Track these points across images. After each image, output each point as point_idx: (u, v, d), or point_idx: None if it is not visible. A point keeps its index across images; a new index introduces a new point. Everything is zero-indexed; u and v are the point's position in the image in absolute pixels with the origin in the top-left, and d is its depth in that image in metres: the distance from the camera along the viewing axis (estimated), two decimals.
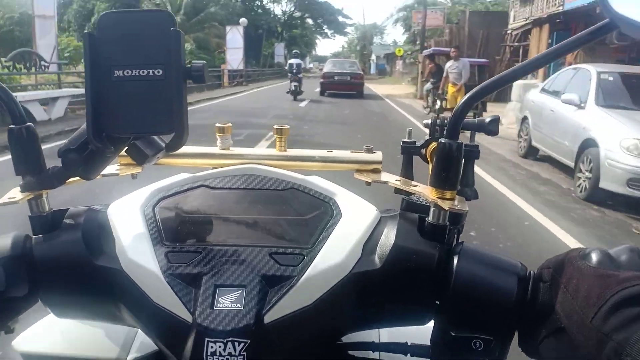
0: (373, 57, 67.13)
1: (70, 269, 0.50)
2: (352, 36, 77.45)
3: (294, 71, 16.40)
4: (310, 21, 58.61)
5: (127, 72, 0.44)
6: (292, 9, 54.56)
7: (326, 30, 59.83)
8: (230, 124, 0.67)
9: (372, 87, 29.85)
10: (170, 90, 0.44)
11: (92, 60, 0.44)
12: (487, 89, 0.48)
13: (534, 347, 0.45)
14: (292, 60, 16.96)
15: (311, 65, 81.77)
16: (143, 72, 0.44)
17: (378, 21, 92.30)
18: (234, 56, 26.26)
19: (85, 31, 0.44)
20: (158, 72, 0.44)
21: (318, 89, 19.88)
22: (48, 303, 0.52)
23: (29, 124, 0.49)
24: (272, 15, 50.64)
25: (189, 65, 0.45)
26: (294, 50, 22.88)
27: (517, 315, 0.46)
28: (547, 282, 0.45)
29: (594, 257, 0.42)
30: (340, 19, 59.59)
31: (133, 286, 0.48)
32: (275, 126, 0.66)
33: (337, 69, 20.35)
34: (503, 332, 0.47)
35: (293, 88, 16.49)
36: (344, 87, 19.70)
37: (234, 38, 26.57)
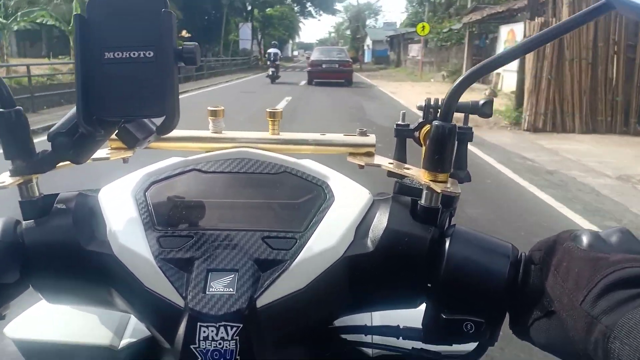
0: (368, 42, 54.32)
1: (61, 254, 0.50)
2: (340, 18, 68.63)
3: (272, 59, 20.18)
4: None
5: (118, 54, 0.43)
6: None
7: (310, 9, 47.18)
8: (223, 107, 0.66)
9: (385, 88, 18.36)
10: (161, 73, 0.43)
11: (83, 42, 0.43)
12: (482, 70, 0.47)
13: (525, 330, 0.45)
14: (271, 50, 20.73)
15: (295, 53, 72.48)
16: (134, 54, 0.43)
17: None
18: None
19: (75, 13, 0.44)
20: (149, 54, 0.43)
21: (286, 100, 12.42)
22: (39, 289, 0.52)
23: (18, 107, 0.49)
24: None
25: (180, 47, 0.44)
26: (273, 42, 25.48)
27: (508, 298, 0.46)
28: (537, 265, 0.45)
29: (585, 239, 0.42)
30: None
31: (125, 271, 0.47)
32: (267, 109, 0.66)
33: (324, 56, 19.86)
34: (494, 315, 0.47)
35: (271, 73, 20.04)
36: (333, 76, 19.06)
37: None
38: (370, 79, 24.40)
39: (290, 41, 66.28)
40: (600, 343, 0.36)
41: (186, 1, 23.00)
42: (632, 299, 0.36)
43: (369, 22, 62.54)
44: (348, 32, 66.69)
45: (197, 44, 0.46)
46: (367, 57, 51.70)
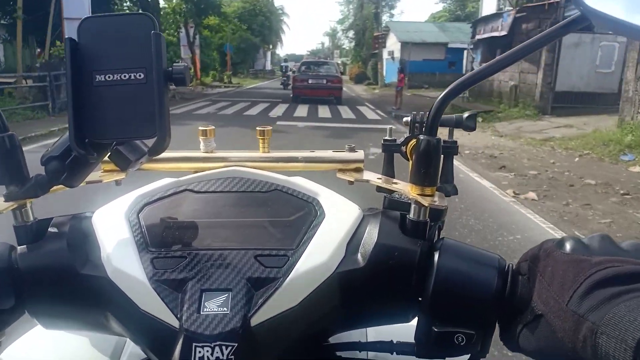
0: (392, 45, 33.40)
1: (56, 278, 0.50)
2: (340, 13, 53.46)
3: (283, 70, 29.05)
4: None
5: (109, 77, 0.44)
6: None
7: None
8: (214, 127, 0.67)
9: None
10: (151, 94, 0.44)
11: (74, 65, 0.44)
12: (463, 85, 0.48)
13: (515, 339, 0.46)
14: (284, 64, 30.85)
15: (287, 64, 65.34)
16: (124, 76, 0.44)
17: None
18: None
19: (67, 36, 0.44)
20: (139, 75, 0.44)
21: None
22: (35, 314, 0.52)
23: (11, 132, 0.49)
24: None
25: (170, 68, 0.45)
26: (285, 57, 33.15)
27: (498, 309, 0.47)
28: (525, 275, 0.46)
29: (568, 245, 0.44)
30: None
31: (119, 294, 0.48)
32: (258, 127, 0.67)
33: (311, 71, 18.78)
34: (484, 326, 0.47)
35: (282, 81, 27.39)
36: (320, 92, 17.55)
37: None
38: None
39: (271, 48, 53.55)
40: (588, 340, 0.37)
41: None
42: (616, 296, 0.37)
43: (384, 17, 41.74)
44: (351, 33, 47.99)
45: (186, 64, 0.47)
46: (389, 75, 29.69)
